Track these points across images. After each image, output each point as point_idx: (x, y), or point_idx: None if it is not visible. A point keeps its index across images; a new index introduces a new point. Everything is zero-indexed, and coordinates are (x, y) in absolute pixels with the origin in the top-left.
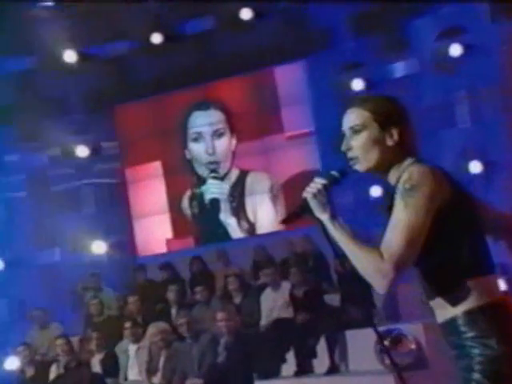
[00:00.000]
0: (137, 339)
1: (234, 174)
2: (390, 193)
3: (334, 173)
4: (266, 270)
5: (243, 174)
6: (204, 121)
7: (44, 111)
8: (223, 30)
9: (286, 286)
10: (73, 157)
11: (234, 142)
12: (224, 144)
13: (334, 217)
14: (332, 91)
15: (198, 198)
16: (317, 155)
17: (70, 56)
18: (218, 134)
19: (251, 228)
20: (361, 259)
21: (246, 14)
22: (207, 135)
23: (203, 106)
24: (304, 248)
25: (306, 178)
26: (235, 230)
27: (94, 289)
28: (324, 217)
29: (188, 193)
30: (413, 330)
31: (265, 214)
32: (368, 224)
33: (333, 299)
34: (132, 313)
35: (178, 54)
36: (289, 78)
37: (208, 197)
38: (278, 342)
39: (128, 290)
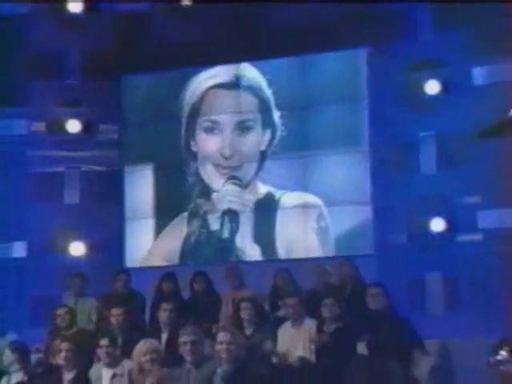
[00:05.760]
0: (112, 363)
1: (261, 190)
2: None
3: None
4: (288, 300)
5: (273, 194)
6: (226, 105)
7: (32, 69)
8: None
9: (310, 323)
10: (61, 131)
11: (266, 139)
12: (250, 143)
13: None
14: (399, 93)
15: (199, 216)
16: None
17: (75, 6)
18: (242, 128)
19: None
20: None
21: None
22: (227, 127)
23: (230, 82)
24: (343, 277)
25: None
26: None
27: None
28: None
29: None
30: None
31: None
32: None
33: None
34: (112, 329)
35: (209, 21)
36: (346, 67)
37: (223, 206)
38: None
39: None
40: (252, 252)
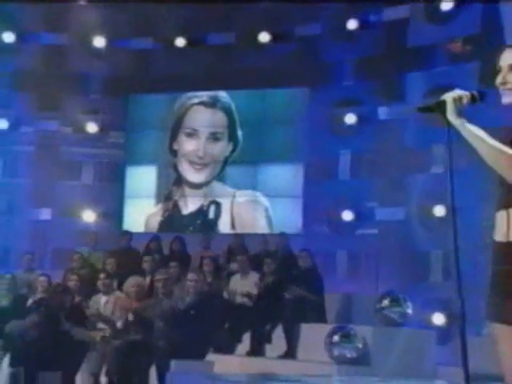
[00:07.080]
0: (108, 291)
1: (220, 187)
2: None
3: (474, 92)
4: (238, 257)
5: (228, 190)
6: (204, 118)
7: (66, 85)
8: (241, 47)
9: (253, 275)
10: (82, 131)
11: (229, 149)
12: (218, 149)
13: (467, 122)
14: (327, 122)
15: (172, 199)
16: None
17: (99, 42)
18: (214, 138)
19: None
20: (496, 155)
21: (263, 37)
22: (203, 135)
23: (208, 101)
24: (277, 246)
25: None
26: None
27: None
28: (458, 121)
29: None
30: (363, 332)
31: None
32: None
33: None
34: (109, 269)
35: (196, 60)
36: (292, 100)
37: (210, 198)
38: (237, 323)
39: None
40: (224, 227)
